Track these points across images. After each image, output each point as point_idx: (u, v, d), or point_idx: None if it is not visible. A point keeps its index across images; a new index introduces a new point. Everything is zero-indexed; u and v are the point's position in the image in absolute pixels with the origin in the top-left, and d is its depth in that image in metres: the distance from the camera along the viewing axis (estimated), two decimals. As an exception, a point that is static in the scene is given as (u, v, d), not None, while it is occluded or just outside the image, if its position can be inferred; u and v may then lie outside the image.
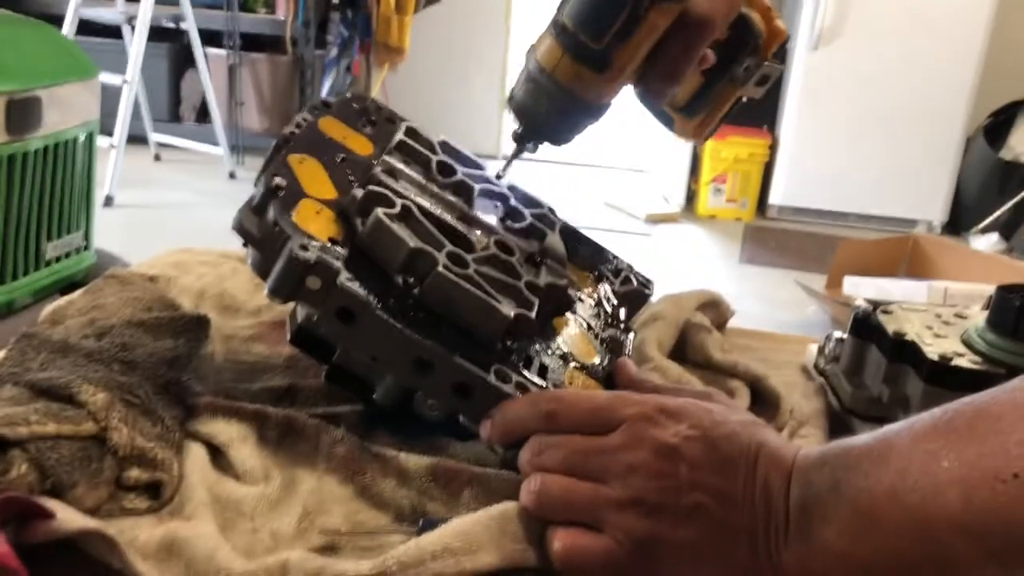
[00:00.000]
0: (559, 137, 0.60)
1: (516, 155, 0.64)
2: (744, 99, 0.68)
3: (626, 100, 0.67)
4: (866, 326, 0.64)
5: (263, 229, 0.52)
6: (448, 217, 0.59)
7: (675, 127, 0.69)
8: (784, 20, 0.65)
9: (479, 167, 0.68)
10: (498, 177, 0.65)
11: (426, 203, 0.59)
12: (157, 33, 3.78)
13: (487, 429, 0.51)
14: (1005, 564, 0.38)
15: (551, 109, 0.58)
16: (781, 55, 0.66)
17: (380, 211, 0.53)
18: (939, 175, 3.95)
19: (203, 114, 4.26)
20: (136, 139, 3.84)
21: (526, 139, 0.61)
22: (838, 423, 0.64)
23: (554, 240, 0.63)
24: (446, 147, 0.68)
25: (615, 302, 0.68)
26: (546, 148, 0.63)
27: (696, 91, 0.66)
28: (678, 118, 0.68)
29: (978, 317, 0.63)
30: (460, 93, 4.52)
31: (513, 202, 0.66)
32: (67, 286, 1.79)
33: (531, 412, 0.50)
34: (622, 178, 4.62)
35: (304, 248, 0.50)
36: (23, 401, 0.49)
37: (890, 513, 0.40)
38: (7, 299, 1.67)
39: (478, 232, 0.60)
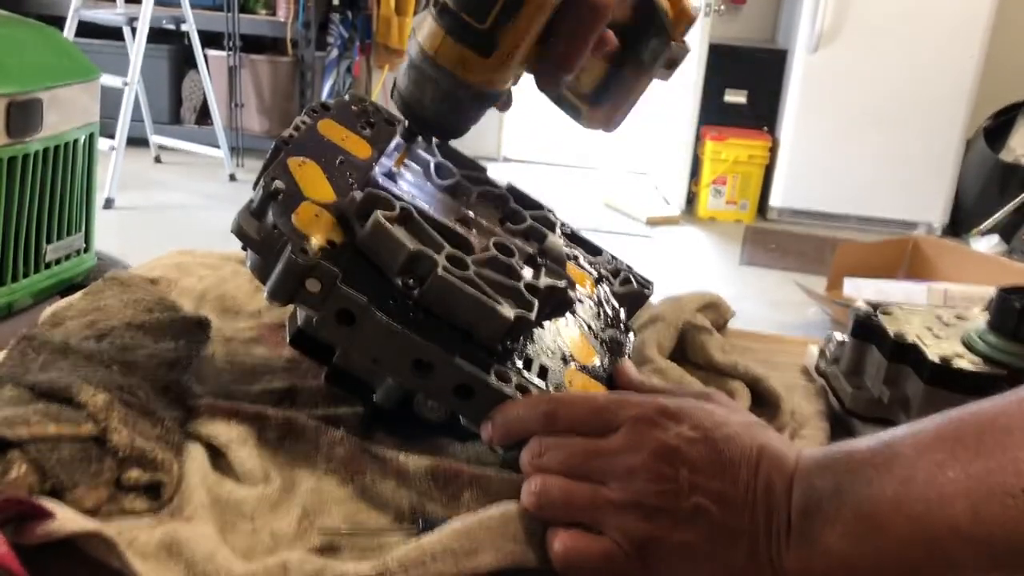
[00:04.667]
0: (450, 128, 0.56)
1: (408, 149, 0.60)
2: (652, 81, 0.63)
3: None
4: (866, 327, 0.64)
5: (262, 232, 0.52)
6: (447, 219, 0.59)
7: (583, 117, 0.65)
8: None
9: (478, 169, 0.68)
10: (393, 174, 0.61)
11: (425, 205, 0.59)
12: (157, 35, 3.79)
13: (487, 430, 0.51)
14: (1009, 572, 0.38)
15: (437, 98, 0.53)
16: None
17: (379, 213, 0.53)
18: (939, 177, 3.95)
19: (203, 116, 4.26)
20: (136, 141, 3.84)
21: (413, 134, 0.57)
22: (839, 424, 0.64)
23: (553, 241, 0.63)
24: (445, 149, 0.68)
25: (615, 303, 0.68)
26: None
27: (602, 78, 0.62)
28: (585, 108, 0.64)
29: (978, 319, 0.63)
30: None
31: (512, 204, 0.66)
32: (67, 288, 1.79)
33: (532, 413, 0.50)
34: (622, 180, 4.62)
35: (303, 251, 0.50)
36: (23, 402, 0.49)
37: (894, 520, 0.40)
38: (7, 301, 1.67)
39: (477, 234, 0.60)
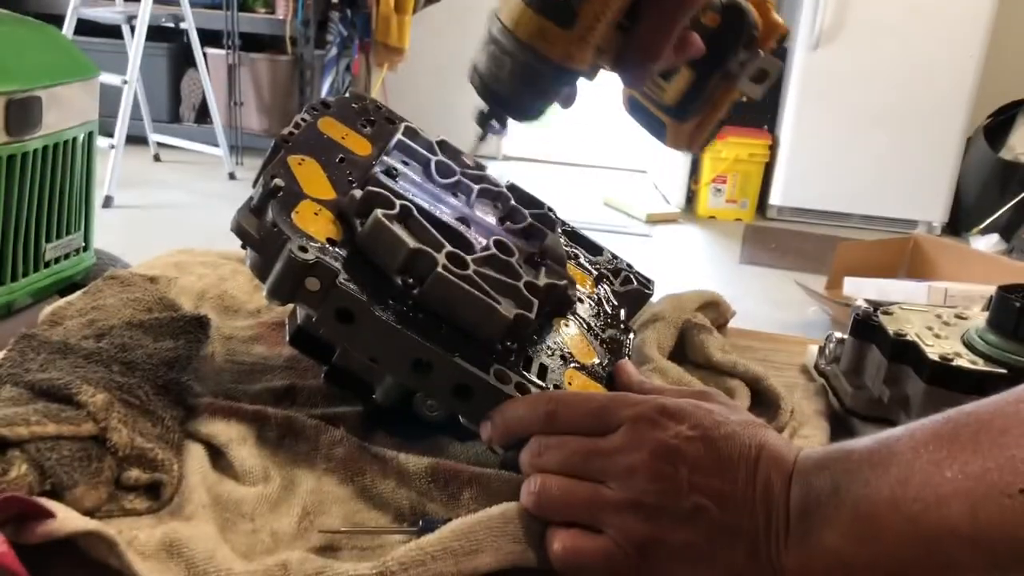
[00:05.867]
0: (526, 107, 0.55)
1: (483, 136, 0.58)
2: (743, 99, 0.63)
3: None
4: (867, 327, 0.64)
5: (262, 230, 0.52)
6: (447, 218, 0.59)
7: (667, 134, 0.64)
8: (784, 20, 0.63)
9: (478, 167, 0.68)
10: (466, 165, 0.60)
11: (425, 204, 0.59)
12: (156, 33, 3.78)
13: (487, 430, 0.51)
14: (1007, 571, 0.38)
15: (514, 72, 0.52)
16: (780, 54, 0.62)
17: (379, 212, 0.53)
18: (939, 175, 3.95)
19: (203, 114, 4.26)
20: (135, 139, 3.83)
21: (490, 114, 0.56)
22: (839, 424, 0.64)
23: (554, 240, 0.63)
24: (445, 147, 0.68)
25: (615, 302, 0.68)
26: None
27: (687, 88, 0.61)
28: (670, 123, 0.63)
29: (978, 318, 0.63)
30: (460, 93, 4.51)
31: (513, 202, 0.66)
32: (66, 287, 1.79)
33: (531, 413, 0.50)
34: (622, 178, 4.62)
35: (303, 249, 0.50)
36: (23, 402, 0.49)
37: (891, 521, 0.40)
38: (6, 300, 1.67)
39: (477, 233, 0.60)
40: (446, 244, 0.55)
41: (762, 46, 0.60)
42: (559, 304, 0.60)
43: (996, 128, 3.98)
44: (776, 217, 4.12)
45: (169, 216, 3.48)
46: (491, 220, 0.64)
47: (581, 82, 0.56)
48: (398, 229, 0.53)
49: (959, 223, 3.99)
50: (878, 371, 0.62)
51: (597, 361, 0.60)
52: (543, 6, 0.50)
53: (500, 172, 0.64)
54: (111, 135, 3.30)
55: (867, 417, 0.64)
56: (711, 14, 0.59)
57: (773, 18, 0.61)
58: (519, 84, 0.53)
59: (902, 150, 3.92)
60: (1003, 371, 0.57)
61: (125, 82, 3.41)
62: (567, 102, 0.57)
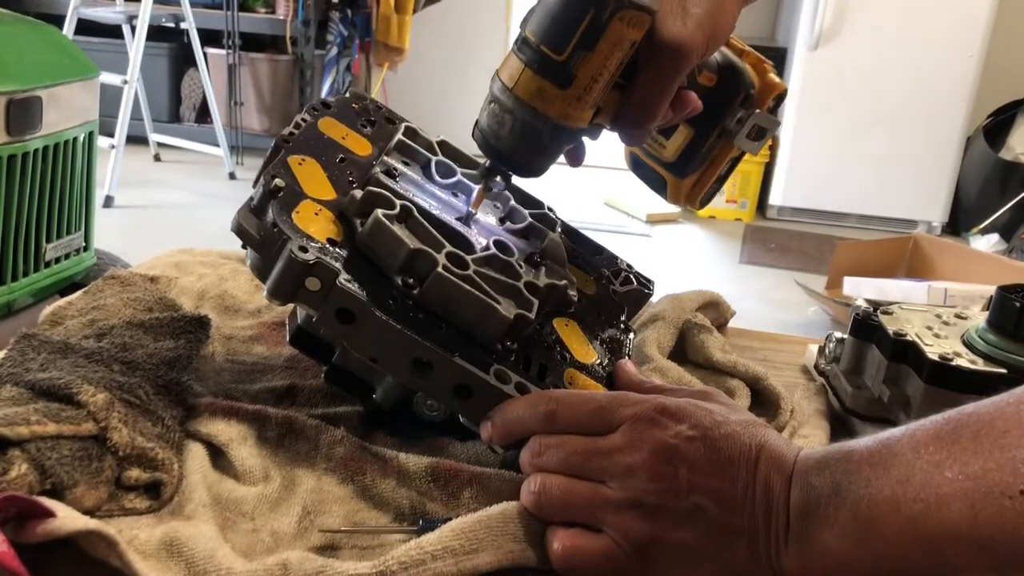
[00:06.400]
0: (526, 163, 0.56)
1: (487, 190, 0.60)
2: (741, 156, 0.64)
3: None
4: (866, 326, 0.64)
5: (262, 230, 0.52)
6: (447, 218, 0.59)
7: (668, 190, 0.65)
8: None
9: (479, 168, 0.68)
10: (469, 215, 0.61)
11: (425, 204, 0.59)
12: (157, 33, 3.79)
13: (487, 429, 0.51)
14: (1007, 572, 0.38)
15: (514, 129, 0.54)
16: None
17: (379, 212, 0.53)
18: (939, 175, 3.95)
19: (203, 114, 4.26)
20: (136, 139, 3.84)
21: (492, 170, 0.58)
22: (839, 423, 0.64)
23: (554, 240, 0.63)
24: (445, 147, 0.68)
25: (615, 302, 0.68)
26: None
27: (686, 145, 0.63)
28: (670, 179, 0.64)
29: (978, 318, 0.63)
30: (460, 93, 4.53)
31: (513, 202, 0.66)
32: (67, 287, 1.79)
33: (531, 412, 0.50)
34: (622, 178, 4.62)
35: (303, 249, 0.50)
36: (23, 401, 0.49)
37: (892, 521, 0.40)
38: (7, 300, 1.67)
39: (477, 233, 0.60)
40: (446, 244, 0.55)
41: (759, 105, 0.62)
42: (559, 304, 0.60)
43: (996, 128, 3.98)
44: (776, 217, 4.12)
45: (169, 216, 3.48)
46: (491, 220, 0.64)
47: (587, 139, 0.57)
48: (398, 229, 0.53)
49: (959, 223, 3.99)
50: (878, 371, 0.62)
51: (597, 361, 0.60)
52: (541, 67, 0.52)
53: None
54: (111, 135, 3.30)
55: (867, 417, 0.64)
56: (707, 74, 0.61)
57: (770, 79, 0.63)
58: (519, 141, 0.55)
59: (902, 150, 3.92)
60: (1003, 371, 0.57)
61: (125, 82, 3.41)
62: (574, 160, 0.59)
